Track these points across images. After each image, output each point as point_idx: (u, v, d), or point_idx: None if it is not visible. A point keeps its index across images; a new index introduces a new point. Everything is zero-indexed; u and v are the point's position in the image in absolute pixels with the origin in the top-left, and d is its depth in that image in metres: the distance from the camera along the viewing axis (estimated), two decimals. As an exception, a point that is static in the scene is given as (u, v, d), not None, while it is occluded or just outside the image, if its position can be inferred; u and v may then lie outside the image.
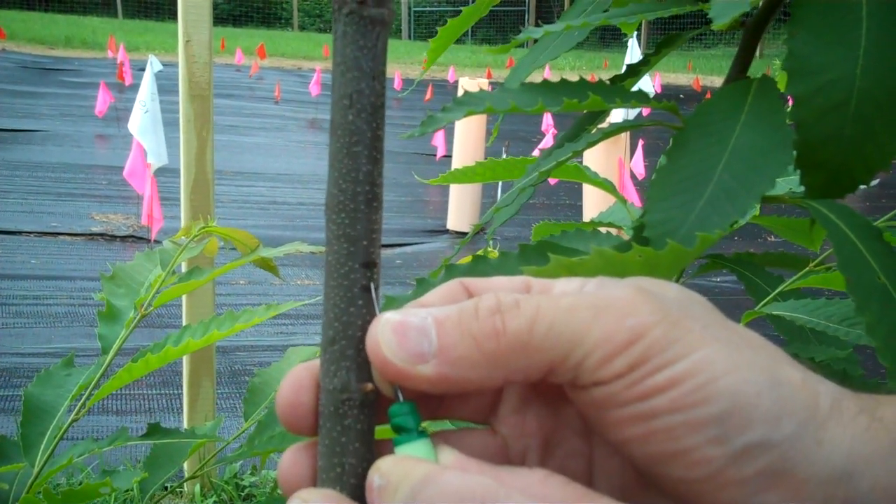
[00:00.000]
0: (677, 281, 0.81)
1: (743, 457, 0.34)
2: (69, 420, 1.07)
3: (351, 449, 0.45)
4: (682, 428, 0.35)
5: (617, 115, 4.52)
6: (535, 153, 1.11)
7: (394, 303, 0.72)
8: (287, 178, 7.41)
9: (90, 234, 5.37)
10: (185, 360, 2.32)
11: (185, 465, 2.25)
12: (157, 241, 4.29)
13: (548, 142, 6.20)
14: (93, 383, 1.08)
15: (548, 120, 7.59)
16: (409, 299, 0.70)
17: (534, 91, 0.69)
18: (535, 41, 0.86)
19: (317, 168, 7.92)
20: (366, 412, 0.45)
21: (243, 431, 1.15)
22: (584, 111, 0.84)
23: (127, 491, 2.33)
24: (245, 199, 6.59)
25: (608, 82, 0.78)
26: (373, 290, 0.44)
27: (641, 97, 0.71)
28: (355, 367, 0.45)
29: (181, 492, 2.39)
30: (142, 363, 1.05)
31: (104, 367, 1.10)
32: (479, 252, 0.75)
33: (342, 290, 0.45)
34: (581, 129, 0.80)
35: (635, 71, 0.80)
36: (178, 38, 2.10)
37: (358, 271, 0.46)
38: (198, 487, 2.42)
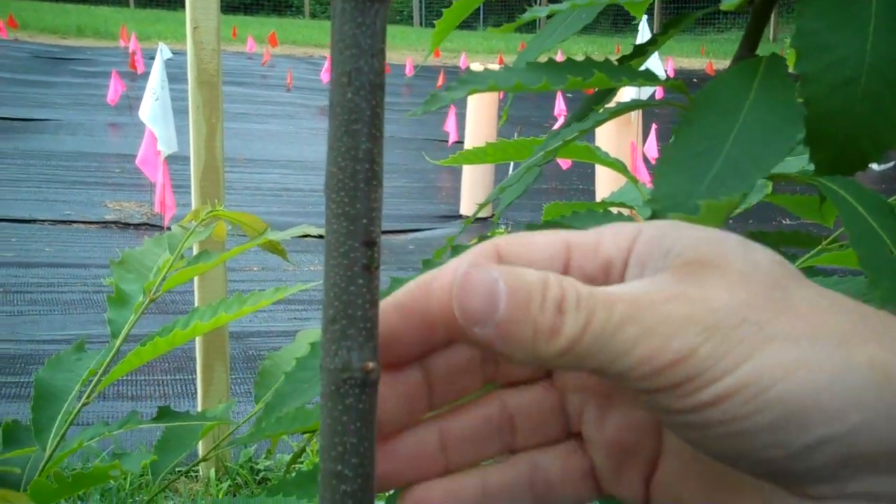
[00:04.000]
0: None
1: (805, 453, 0.34)
2: (79, 404, 1.08)
3: (352, 428, 0.45)
4: (737, 436, 0.34)
5: (628, 98, 4.51)
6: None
7: (399, 283, 0.71)
8: (299, 165, 7.42)
9: (104, 222, 5.39)
10: (198, 345, 2.33)
11: (200, 450, 2.27)
12: (171, 229, 4.29)
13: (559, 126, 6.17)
14: (102, 367, 1.09)
15: (560, 105, 7.58)
16: (414, 280, 0.70)
17: (538, 69, 0.69)
18: (548, 17, 0.85)
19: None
20: (367, 392, 0.45)
21: (254, 414, 1.15)
22: (593, 92, 0.84)
23: (142, 475, 2.34)
24: (257, 186, 6.60)
25: (616, 62, 0.78)
26: None
27: (648, 76, 0.70)
28: (356, 346, 0.44)
29: (196, 476, 2.40)
30: (150, 346, 1.06)
31: (113, 351, 1.10)
32: (489, 234, 0.75)
33: (342, 269, 0.45)
34: (588, 109, 0.79)
35: (643, 50, 0.79)
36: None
37: (358, 250, 0.45)
38: (213, 472, 2.44)
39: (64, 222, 5.29)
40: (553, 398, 0.43)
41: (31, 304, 3.79)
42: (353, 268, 0.45)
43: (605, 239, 0.39)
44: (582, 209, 1.03)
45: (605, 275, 0.39)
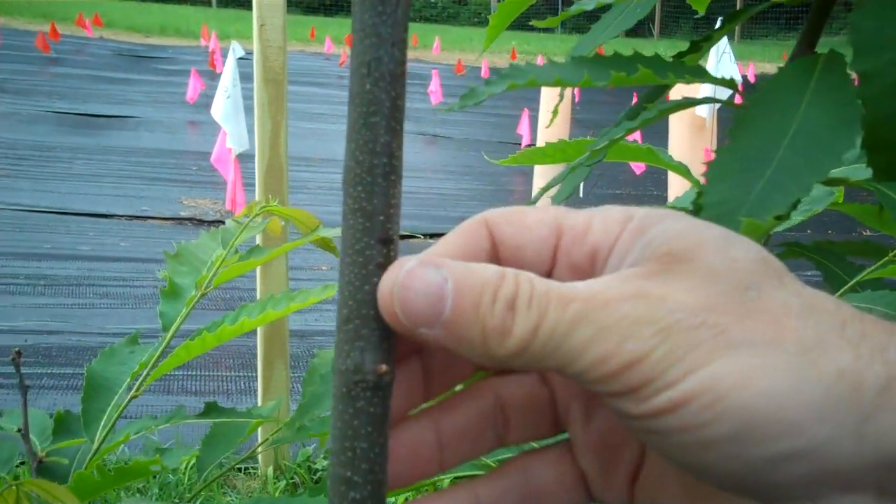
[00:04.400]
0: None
1: (767, 467, 0.31)
2: (128, 397, 1.08)
3: (363, 433, 0.43)
4: (696, 446, 0.32)
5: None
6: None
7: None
8: (372, 166, 7.44)
9: (179, 219, 5.48)
10: (259, 343, 2.34)
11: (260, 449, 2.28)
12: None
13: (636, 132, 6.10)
14: (152, 361, 1.09)
15: (636, 109, 7.46)
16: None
17: (581, 65, 0.66)
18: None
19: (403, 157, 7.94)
20: (380, 395, 0.43)
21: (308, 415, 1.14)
22: (648, 89, 0.81)
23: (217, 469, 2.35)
24: (330, 185, 6.65)
25: (670, 59, 0.75)
26: None
27: (697, 72, 0.67)
28: (370, 347, 0.43)
29: (255, 474, 2.42)
30: (198, 341, 1.05)
31: (163, 344, 1.11)
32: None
33: (357, 267, 0.44)
34: (640, 108, 0.77)
35: (697, 47, 0.76)
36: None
37: (374, 248, 0.44)
38: (270, 470, 2.45)
39: (140, 218, 5.38)
40: (544, 391, 0.41)
41: (103, 298, 3.86)
42: (367, 266, 0.43)
43: (595, 224, 0.37)
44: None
45: (591, 263, 0.37)
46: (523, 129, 7.34)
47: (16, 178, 5.95)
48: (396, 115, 0.45)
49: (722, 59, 5.32)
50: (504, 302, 0.34)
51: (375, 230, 0.44)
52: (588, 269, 0.37)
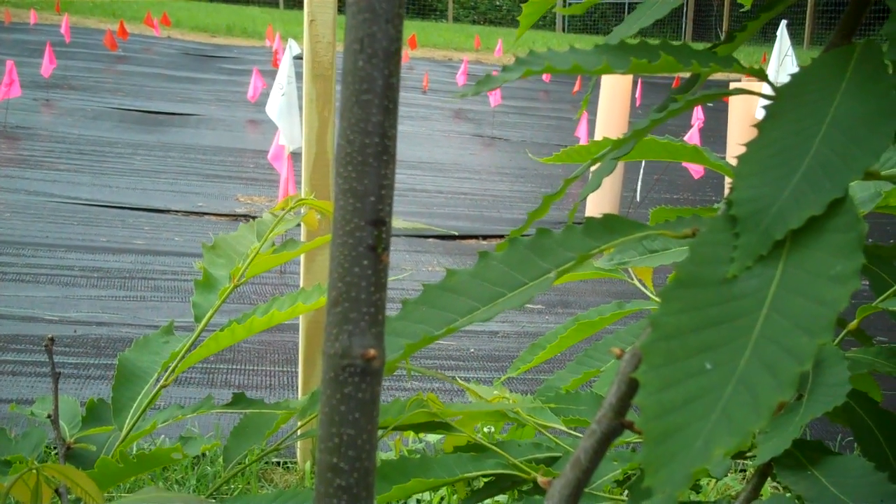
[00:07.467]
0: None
1: None
2: (157, 387, 1.08)
3: (350, 419, 0.42)
4: None
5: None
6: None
7: (454, 276, 0.68)
8: (428, 167, 7.46)
9: (234, 215, 5.54)
10: (301, 339, 2.34)
11: (298, 444, 2.27)
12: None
13: (693, 135, 6.03)
14: (183, 351, 1.09)
15: (697, 114, 7.37)
16: (469, 274, 0.67)
17: (600, 51, 0.65)
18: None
19: (459, 157, 7.95)
20: (368, 381, 0.42)
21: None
22: (685, 80, 0.79)
23: (240, 463, 2.37)
24: (387, 185, 6.66)
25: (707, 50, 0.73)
26: None
27: (725, 61, 0.65)
28: (358, 331, 0.42)
29: (294, 468, 2.42)
30: (227, 332, 1.06)
31: (195, 335, 1.11)
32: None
33: (347, 248, 0.43)
34: (670, 101, 0.75)
35: (731, 37, 0.74)
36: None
37: (364, 229, 0.43)
38: (308, 465, 2.45)
39: (196, 213, 5.44)
40: None
41: (155, 291, 3.90)
42: (357, 248, 0.42)
43: None
44: (687, 215, 0.99)
45: None
46: (581, 131, 7.29)
47: (76, 172, 6.05)
48: (390, 93, 0.44)
49: (784, 61, 5.24)
50: None
51: (366, 211, 0.43)
52: None
